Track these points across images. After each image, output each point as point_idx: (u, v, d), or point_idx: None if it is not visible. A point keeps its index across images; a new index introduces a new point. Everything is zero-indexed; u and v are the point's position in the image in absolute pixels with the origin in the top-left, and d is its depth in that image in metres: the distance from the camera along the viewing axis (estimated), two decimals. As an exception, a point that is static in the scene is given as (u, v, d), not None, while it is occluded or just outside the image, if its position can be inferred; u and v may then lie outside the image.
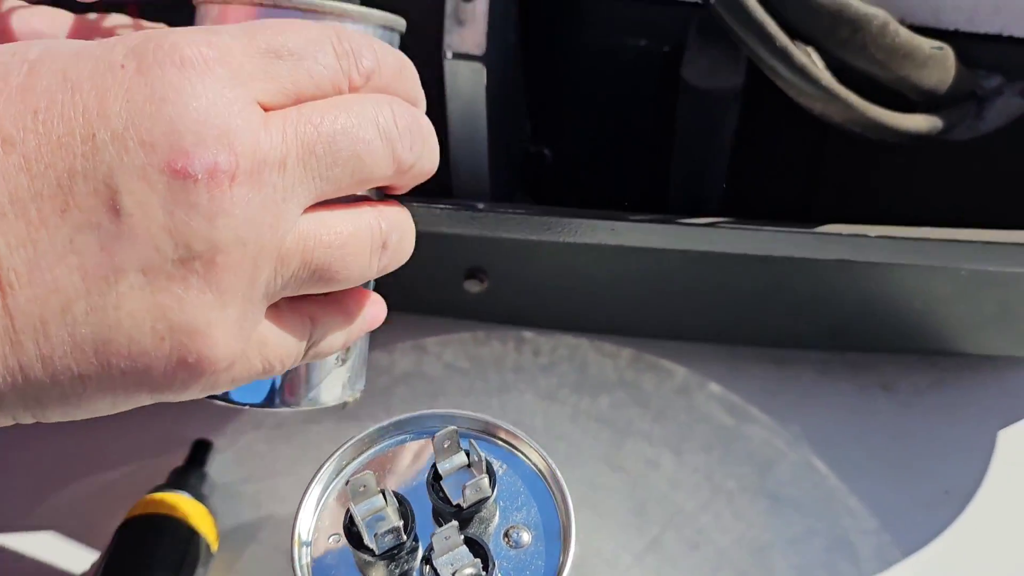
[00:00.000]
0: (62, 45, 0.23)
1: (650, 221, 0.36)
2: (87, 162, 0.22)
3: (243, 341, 0.24)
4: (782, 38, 0.33)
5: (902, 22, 0.39)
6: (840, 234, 0.36)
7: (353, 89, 0.26)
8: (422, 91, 0.29)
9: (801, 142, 0.43)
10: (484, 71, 0.36)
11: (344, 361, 0.32)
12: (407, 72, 0.28)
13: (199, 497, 0.40)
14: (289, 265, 0.24)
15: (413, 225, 0.28)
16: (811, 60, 0.35)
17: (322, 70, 0.25)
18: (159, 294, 0.22)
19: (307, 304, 0.26)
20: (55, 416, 0.23)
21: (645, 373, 0.48)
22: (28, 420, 0.23)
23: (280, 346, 0.25)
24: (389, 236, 0.27)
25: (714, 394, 0.47)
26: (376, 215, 0.26)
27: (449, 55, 0.36)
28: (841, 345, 0.46)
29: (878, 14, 0.35)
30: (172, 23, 0.31)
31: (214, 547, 0.39)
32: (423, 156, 0.27)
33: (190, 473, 0.41)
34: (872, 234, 0.36)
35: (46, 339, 0.22)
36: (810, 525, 0.42)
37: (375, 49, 0.26)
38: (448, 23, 0.36)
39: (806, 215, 0.43)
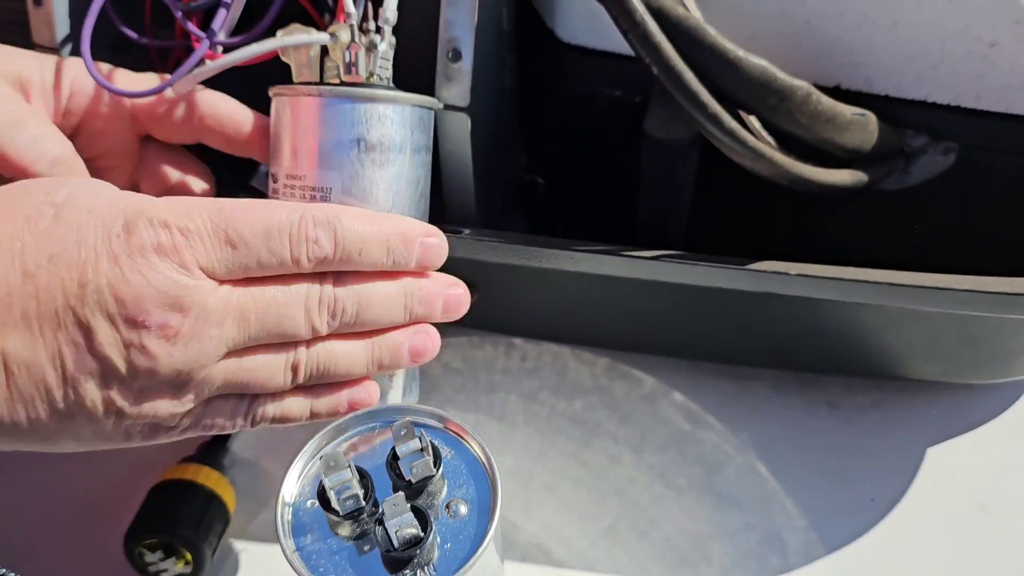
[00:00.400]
0: (81, 196, 0.33)
1: (603, 252, 0.42)
2: (77, 301, 0.32)
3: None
4: (713, 105, 0.39)
5: (838, 87, 0.45)
6: (764, 271, 0.41)
7: (300, 268, 0.35)
8: (389, 254, 0.37)
9: (756, 186, 0.48)
10: (469, 120, 0.43)
11: (391, 378, 0.40)
12: (369, 248, 0.36)
13: (221, 468, 0.47)
14: (213, 383, 0.34)
15: (335, 359, 0.37)
16: (744, 123, 0.41)
17: (270, 259, 0.34)
18: (111, 394, 0.33)
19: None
20: (31, 448, 0.34)
21: (617, 380, 0.54)
22: (8, 449, 0.33)
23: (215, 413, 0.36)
24: (299, 362, 0.36)
25: (676, 402, 0.53)
26: (287, 356, 0.36)
27: (440, 106, 0.43)
28: (791, 365, 0.52)
29: (802, 85, 0.41)
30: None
31: (231, 510, 0.47)
32: (359, 316, 0.36)
33: (216, 448, 0.49)
34: (792, 271, 0.41)
35: (33, 408, 0.32)
36: (747, 521, 0.48)
37: (336, 233, 0.35)
38: (439, 79, 0.42)
39: (763, 252, 0.49)
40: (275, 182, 0.40)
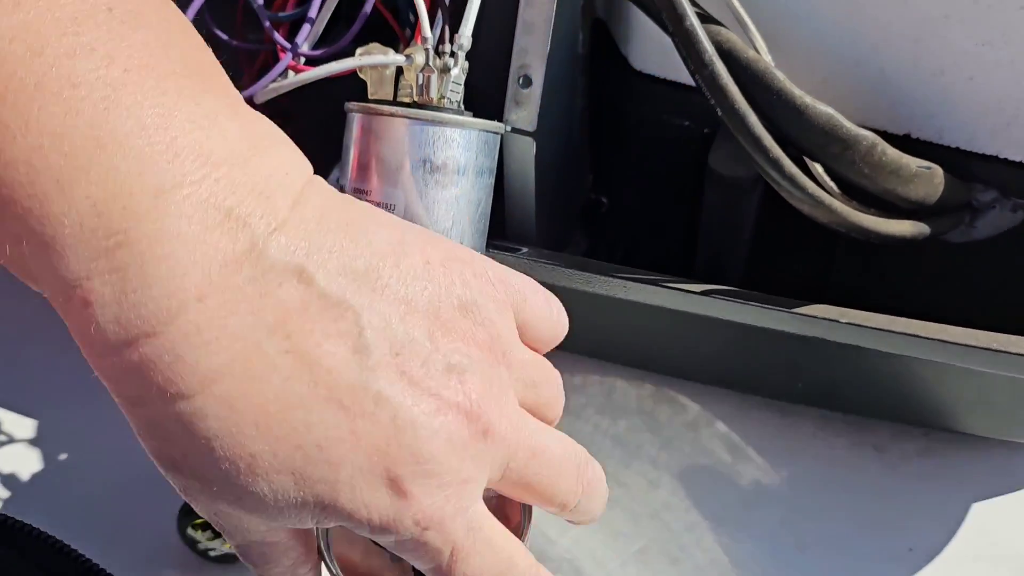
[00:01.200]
0: None
1: (654, 282, 0.43)
2: None
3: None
4: (775, 150, 0.39)
5: (908, 136, 0.44)
6: (815, 316, 0.42)
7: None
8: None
9: (817, 229, 0.48)
10: (534, 144, 0.44)
11: None
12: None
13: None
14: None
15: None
16: (808, 168, 0.41)
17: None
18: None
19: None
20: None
21: (662, 405, 0.54)
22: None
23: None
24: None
25: (718, 432, 0.53)
26: None
27: (508, 129, 0.44)
28: (839, 407, 0.52)
29: (867, 136, 0.40)
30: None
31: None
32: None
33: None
34: (843, 319, 0.41)
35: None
36: (779, 558, 0.48)
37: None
38: (508, 103, 0.43)
39: (821, 294, 0.48)
40: (342, 191, 0.42)
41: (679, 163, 0.49)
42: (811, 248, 0.50)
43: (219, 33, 0.48)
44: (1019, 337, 0.42)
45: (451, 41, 0.40)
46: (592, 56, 0.50)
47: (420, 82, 0.39)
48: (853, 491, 0.51)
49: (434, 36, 0.40)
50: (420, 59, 0.39)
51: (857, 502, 0.50)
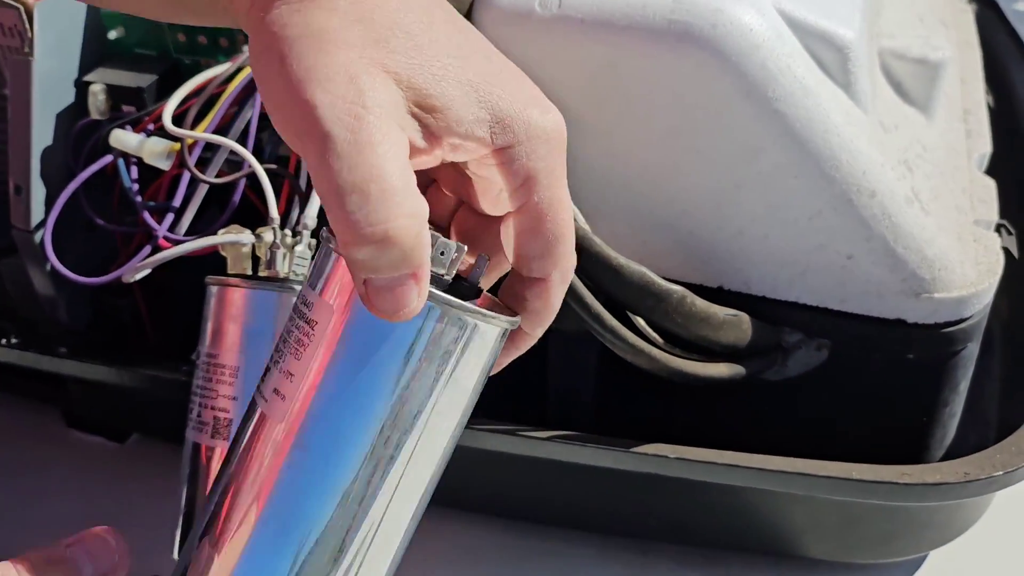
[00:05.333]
0: None
1: (489, 430, 0.47)
2: None
3: None
4: (596, 306, 0.44)
5: (721, 288, 0.50)
6: (646, 453, 0.46)
7: None
8: None
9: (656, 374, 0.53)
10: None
11: None
12: None
13: None
14: None
15: None
16: (632, 322, 0.46)
17: None
18: None
19: None
20: None
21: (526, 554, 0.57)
22: None
23: None
24: None
25: None
26: None
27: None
28: (693, 540, 0.55)
29: (677, 289, 0.46)
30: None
31: None
32: None
33: None
34: (671, 455, 0.46)
35: None
36: None
37: None
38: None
39: (669, 434, 0.52)
40: (197, 358, 0.45)
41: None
42: (653, 392, 0.54)
43: (96, 219, 0.52)
44: (836, 463, 0.47)
45: (297, 222, 0.45)
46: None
47: (268, 257, 0.44)
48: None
49: (280, 218, 0.46)
50: (268, 237, 0.44)
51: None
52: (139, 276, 0.47)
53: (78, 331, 0.56)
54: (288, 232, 0.44)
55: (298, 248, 0.44)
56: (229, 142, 0.47)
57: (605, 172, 0.48)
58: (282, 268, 0.44)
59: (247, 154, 0.46)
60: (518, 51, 0.47)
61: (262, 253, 0.44)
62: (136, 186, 0.50)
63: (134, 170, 0.50)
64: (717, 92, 0.45)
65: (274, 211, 0.44)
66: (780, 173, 0.46)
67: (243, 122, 0.48)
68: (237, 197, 0.49)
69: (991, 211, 0.54)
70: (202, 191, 0.50)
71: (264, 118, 0.49)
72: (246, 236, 0.45)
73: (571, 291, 0.44)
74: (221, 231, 0.47)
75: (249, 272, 0.46)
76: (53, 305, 0.55)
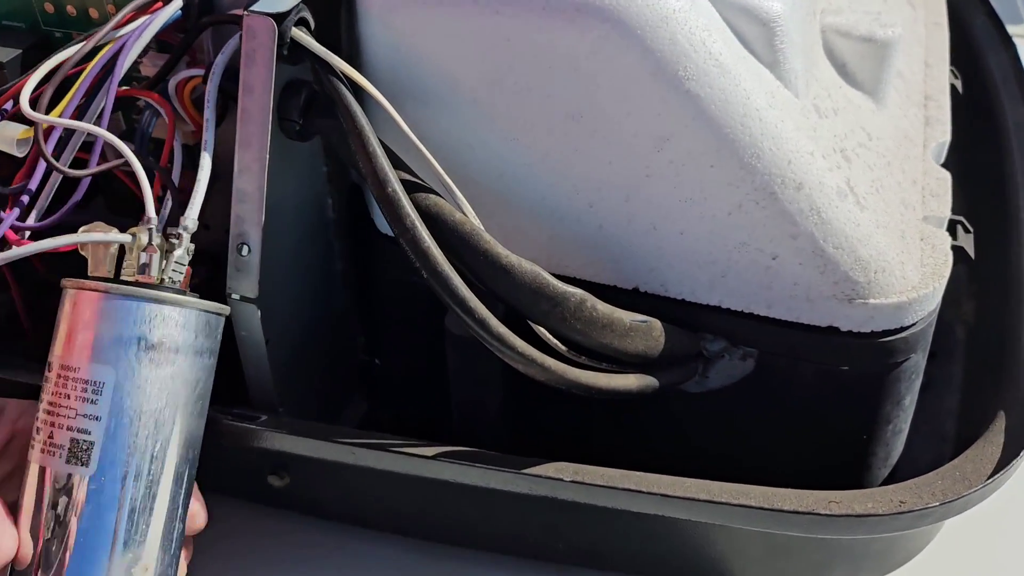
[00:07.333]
0: None
1: (378, 447, 0.42)
2: None
3: None
4: (481, 310, 0.39)
5: (636, 290, 0.45)
6: (539, 475, 0.41)
7: None
8: None
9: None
10: (258, 312, 0.43)
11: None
12: None
13: None
14: None
15: None
16: (528, 329, 0.41)
17: None
18: None
19: None
20: None
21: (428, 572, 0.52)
22: None
23: None
24: None
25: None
26: None
27: (236, 296, 0.43)
28: (609, 566, 0.50)
29: (575, 292, 0.41)
30: None
31: None
32: None
33: None
34: (567, 477, 0.41)
35: None
36: None
37: None
38: (230, 270, 0.43)
39: (586, 451, 0.47)
40: (49, 370, 0.40)
41: (427, 324, 0.49)
42: (568, 404, 0.49)
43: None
44: (759, 488, 0.42)
45: (176, 224, 0.40)
46: (348, 220, 0.50)
47: (143, 261, 0.39)
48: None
49: (159, 218, 0.41)
50: (143, 239, 0.39)
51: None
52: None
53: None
54: (173, 232, 0.40)
55: (177, 252, 0.39)
56: (99, 130, 0.42)
57: (503, 159, 0.43)
58: (156, 274, 0.39)
59: (121, 145, 0.41)
60: (408, 27, 0.42)
61: (133, 257, 0.40)
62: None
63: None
64: (621, 69, 0.40)
65: (151, 209, 0.40)
66: (694, 162, 0.41)
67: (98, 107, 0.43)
68: (84, 186, 0.44)
69: (944, 206, 0.49)
70: (56, 180, 0.45)
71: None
72: (116, 236, 0.40)
73: (451, 293, 0.39)
74: (81, 228, 0.42)
75: (112, 275, 0.41)
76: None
